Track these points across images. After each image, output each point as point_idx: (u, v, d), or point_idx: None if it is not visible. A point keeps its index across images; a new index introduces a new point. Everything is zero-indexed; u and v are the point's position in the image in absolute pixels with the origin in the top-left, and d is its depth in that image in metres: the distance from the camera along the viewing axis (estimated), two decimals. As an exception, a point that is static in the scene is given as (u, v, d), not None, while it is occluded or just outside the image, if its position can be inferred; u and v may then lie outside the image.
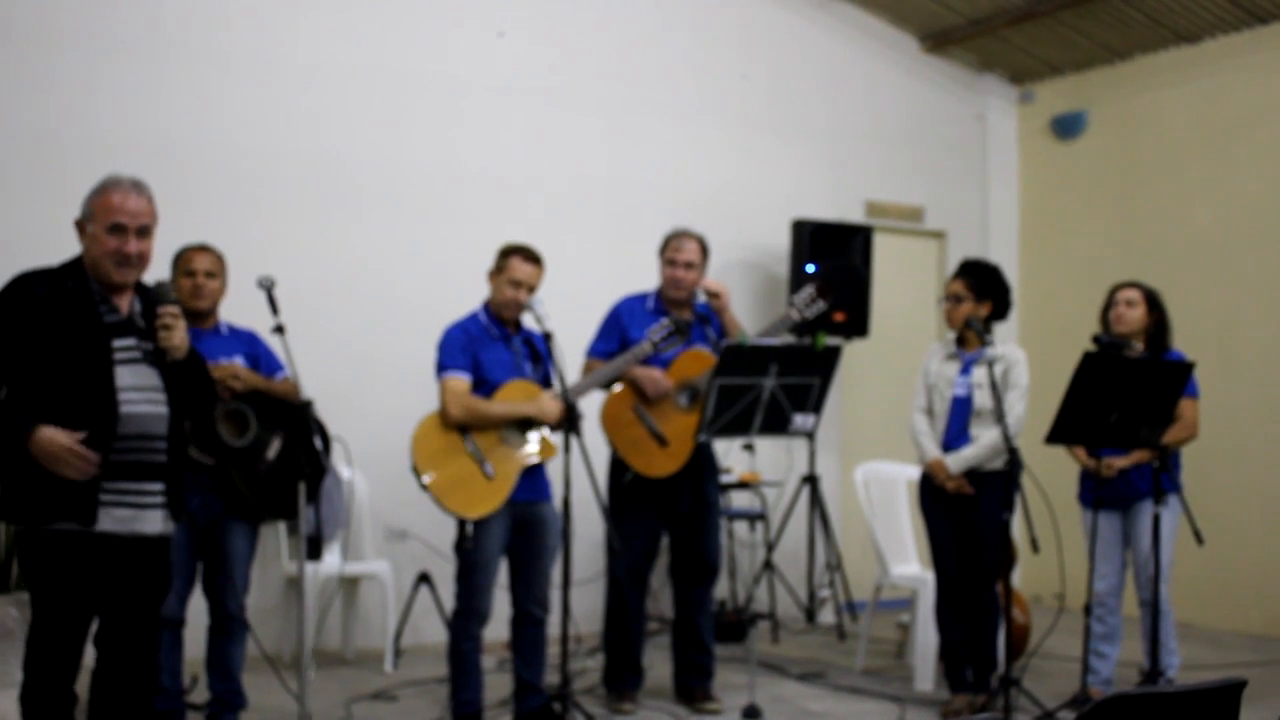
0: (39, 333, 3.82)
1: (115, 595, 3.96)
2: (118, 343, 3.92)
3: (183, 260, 5.17)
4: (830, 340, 7.11)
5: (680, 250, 5.86)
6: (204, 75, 6.83)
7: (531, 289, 5.31)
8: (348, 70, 7.20)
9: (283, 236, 6.80)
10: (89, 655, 3.99)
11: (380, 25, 7.31)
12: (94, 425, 3.84)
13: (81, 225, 3.98)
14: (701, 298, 5.92)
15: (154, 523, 3.99)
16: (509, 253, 5.36)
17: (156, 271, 4.09)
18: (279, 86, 7.02)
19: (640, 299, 5.98)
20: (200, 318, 5.13)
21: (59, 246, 4.17)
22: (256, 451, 5.06)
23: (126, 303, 4.00)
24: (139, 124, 6.58)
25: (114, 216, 3.90)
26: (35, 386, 3.83)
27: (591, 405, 5.78)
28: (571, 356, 5.55)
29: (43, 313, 3.84)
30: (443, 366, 5.27)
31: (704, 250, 5.91)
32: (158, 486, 3.98)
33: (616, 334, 5.86)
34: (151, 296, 4.04)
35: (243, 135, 6.90)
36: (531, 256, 5.35)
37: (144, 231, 3.96)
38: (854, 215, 8.66)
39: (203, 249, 5.20)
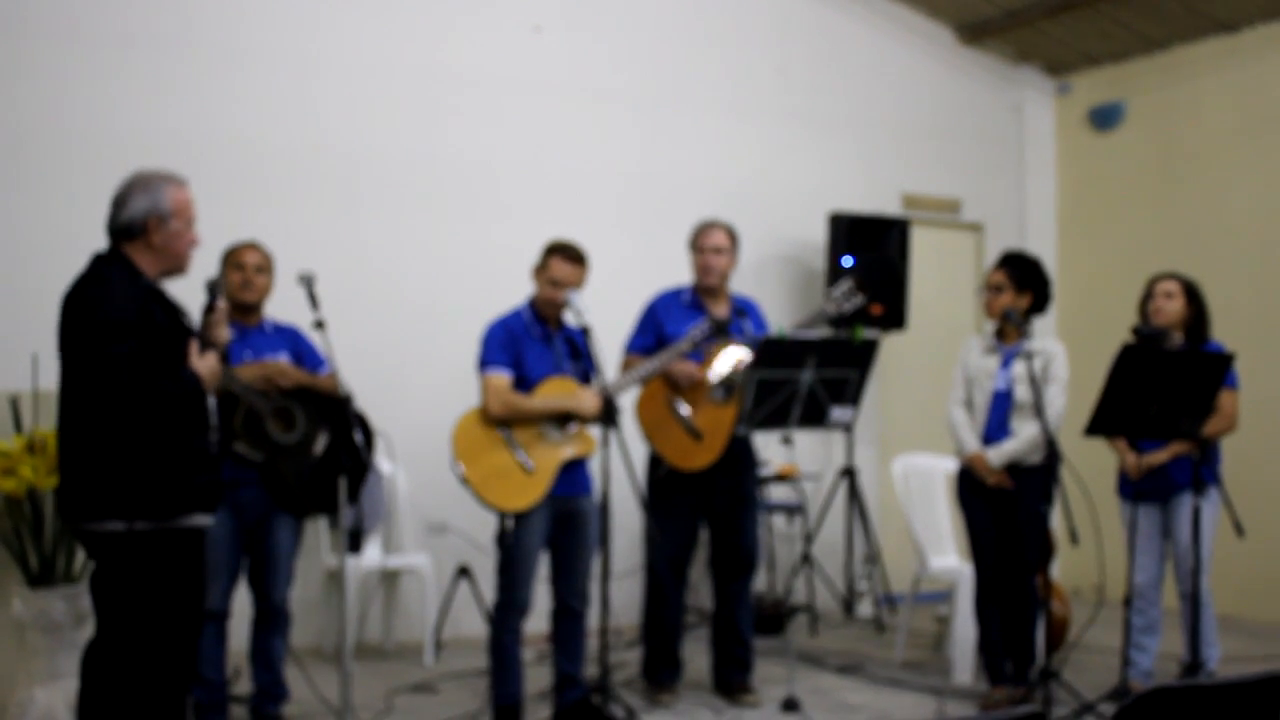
0: (141, 330, 3.79)
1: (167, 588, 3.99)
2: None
3: (233, 256, 5.24)
4: (868, 333, 7.13)
5: (708, 236, 5.89)
6: (240, 72, 6.87)
7: (572, 288, 5.31)
8: (384, 67, 7.24)
9: (321, 233, 6.84)
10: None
11: (416, 21, 7.34)
12: (193, 417, 3.90)
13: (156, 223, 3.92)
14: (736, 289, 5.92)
15: (205, 515, 4.05)
16: (551, 251, 5.36)
17: (197, 271, 4.14)
18: (316, 84, 7.06)
19: (676, 293, 6.00)
20: (247, 312, 5.20)
21: (81, 242, 4.21)
22: (304, 447, 5.12)
23: None
24: (175, 122, 6.61)
25: (190, 211, 3.97)
26: (140, 383, 3.77)
27: (627, 399, 5.81)
28: (609, 351, 5.57)
29: (136, 311, 3.81)
30: (484, 362, 5.29)
31: (732, 237, 5.93)
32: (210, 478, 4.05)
33: (653, 329, 5.89)
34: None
35: (278, 132, 6.94)
36: (573, 256, 5.33)
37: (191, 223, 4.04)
38: (891, 208, 8.64)
39: (252, 246, 5.28)
